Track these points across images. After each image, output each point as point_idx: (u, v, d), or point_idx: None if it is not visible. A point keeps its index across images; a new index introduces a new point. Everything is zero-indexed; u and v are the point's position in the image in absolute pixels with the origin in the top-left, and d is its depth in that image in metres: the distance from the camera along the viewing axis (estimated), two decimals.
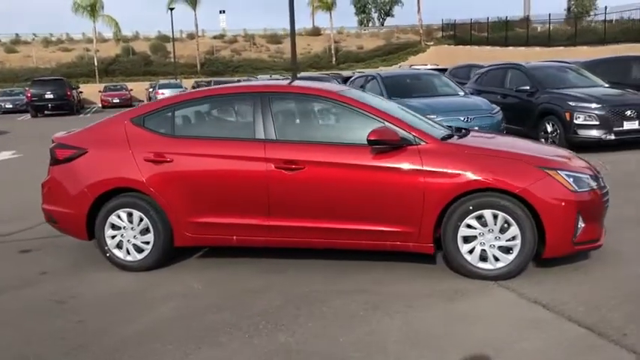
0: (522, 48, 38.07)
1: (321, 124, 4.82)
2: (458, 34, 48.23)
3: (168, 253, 4.89)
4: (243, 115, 4.82)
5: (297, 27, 59.63)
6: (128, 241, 4.84)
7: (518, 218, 4.17)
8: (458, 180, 4.22)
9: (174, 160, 4.66)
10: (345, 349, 3.33)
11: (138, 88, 40.82)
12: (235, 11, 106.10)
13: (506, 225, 4.22)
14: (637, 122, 10.11)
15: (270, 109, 4.63)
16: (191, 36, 52.13)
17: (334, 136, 4.67)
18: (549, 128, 10.55)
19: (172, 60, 44.78)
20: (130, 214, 4.80)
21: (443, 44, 47.14)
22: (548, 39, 38.57)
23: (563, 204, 4.15)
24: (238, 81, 34.81)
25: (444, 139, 4.57)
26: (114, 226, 4.85)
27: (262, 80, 15.25)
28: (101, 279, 4.73)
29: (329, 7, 49.90)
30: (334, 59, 47.71)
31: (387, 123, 4.44)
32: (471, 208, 4.24)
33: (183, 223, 4.71)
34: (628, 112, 10.07)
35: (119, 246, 4.87)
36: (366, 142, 4.41)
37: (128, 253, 4.86)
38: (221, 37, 54.35)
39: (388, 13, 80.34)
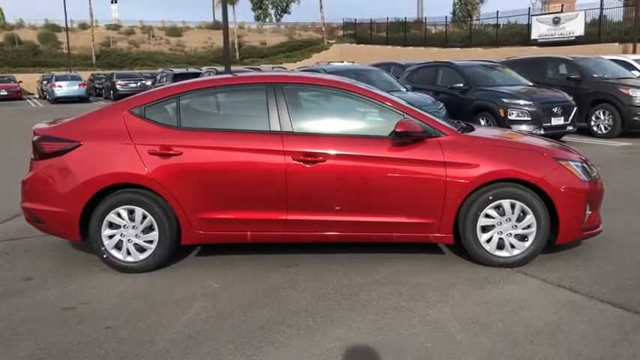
0: (421, 48, 39.73)
1: (338, 116, 4.75)
2: (358, 33, 49.42)
3: (172, 253, 4.61)
4: (256, 105, 4.63)
5: (197, 20, 58.07)
6: (129, 240, 4.51)
7: (535, 207, 4.36)
8: (479, 171, 4.33)
9: (183, 153, 4.40)
10: (412, 340, 3.32)
11: (28, 81, 38.01)
12: (128, 1, 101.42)
13: (522, 214, 4.40)
14: (562, 118, 10.92)
15: (285, 100, 4.49)
16: (83, 26, 49.36)
17: (352, 129, 4.62)
18: (483, 123, 11.10)
19: (65, 51, 42.05)
20: (131, 212, 4.47)
21: (345, 43, 48.05)
22: (445, 40, 40.51)
23: (575, 193, 4.40)
24: (140, 74, 33.57)
25: (461, 131, 4.68)
26: (112, 225, 4.49)
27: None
28: (105, 282, 4.37)
29: (232, 1, 49.12)
30: (238, 54, 47.08)
31: (406, 115, 4.47)
32: (490, 198, 4.37)
33: (193, 220, 4.46)
34: (555, 109, 10.85)
35: (118, 246, 4.52)
36: (385, 134, 4.44)
37: (129, 253, 4.53)
38: (116, 28, 51.80)
39: (285, 10, 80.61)
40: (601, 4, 31.93)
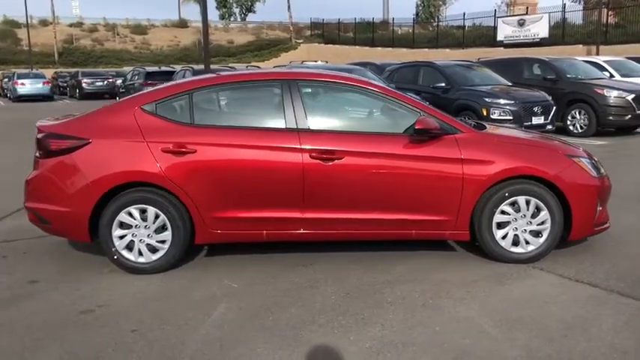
0: (389, 48, 40.09)
1: (354, 113, 4.72)
2: (326, 33, 49.53)
3: (184, 253, 4.51)
4: (270, 102, 4.56)
5: (161, 18, 57.21)
6: (141, 240, 4.38)
7: (549, 203, 4.42)
8: (495, 168, 4.36)
9: (197, 151, 4.30)
10: (448, 337, 3.31)
11: None
12: None
13: (536, 210, 4.46)
14: (542, 117, 11.15)
15: (300, 97, 4.44)
16: (44, 22, 48.08)
17: (368, 126, 4.60)
18: None
19: (25, 48, 40.84)
20: (143, 211, 4.35)
21: (313, 42, 48.10)
22: (412, 41, 40.94)
23: (587, 189, 4.48)
24: (107, 72, 32.85)
25: (476, 128, 4.71)
26: (123, 225, 4.36)
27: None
28: (117, 284, 4.24)
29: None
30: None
31: (422, 112, 4.47)
32: (506, 194, 4.41)
33: (207, 219, 4.36)
34: (535, 108, 11.07)
35: (129, 247, 4.39)
36: (402, 132, 4.43)
37: (140, 254, 4.40)
38: (79, 25, 50.59)
39: (250, 9, 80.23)
40: (563, 8, 32.81)
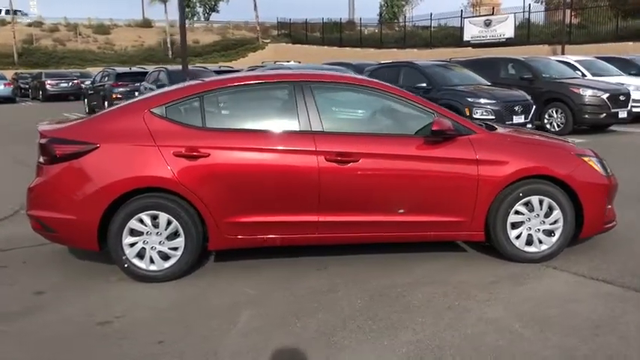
0: (358, 49, 40.21)
1: (367, 115, 4.68)
2: (293, 33, 49.43)
3: (196, 259, 4.40)
4: (283, 104, 4.48)
5: (125, 18, 56.01)
6: (152, 248, 4.25)
7: (561, 203, 4.47)
8: (510, 168, 4.38)
9: (211, 155, 4.19)
10: (482, 340, 3.30)
11: None
12: None
13: (549, 209, 4.50)
14: (523, 117, 11.32)
15: (313, 99, 4.38)
16: (2, 22, 46.59)
17: (382, 127, 4.57)
18: None
19: None
20: (154, 217, 4.22)
21: (280, 42, 47.92)
22: (380, 41, 41.21)
23: (598, 188, 4.55)
24: (72, 73, 31.98)
25: (489, 129, 4.72)
26: (133, 232, 4.23)
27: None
28: (129, 293, 4.10)
29: None
30: (170, 53, 45.89)
31: (436, 114, 4.46)
32: (520, 195, 4.43)
33: (221, 224, 4.26)
34: (516, 108, 11.23)
35: (140, 255, 4.25)
36: (415, 133, 4.43)
37: (152, 262, 4.27)
38: (39, 25, 49.20)
39: (213, 9, 79.54)
40: (529, 8, 33.52)
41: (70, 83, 28.60)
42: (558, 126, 12.63)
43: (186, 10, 75.49)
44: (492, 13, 34.64)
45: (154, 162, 4.16)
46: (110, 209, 4.16)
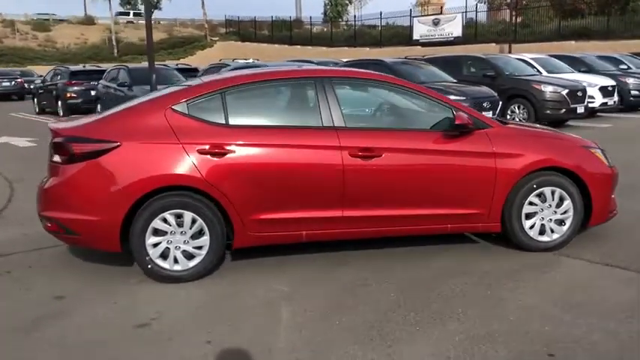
0: (309, 47, 40.33)
1: (388, 110, 4.71)
2: (241, 31, 49.06)
3: (220, 258, 4.34)
4: (305, 100, 4.47)
5: (65, 15, 54.16)
6: (176, 247, 4.16)
7: (572, 193, 4.65)
8: (525, 161, 4.52)
9: (236, 152, 4.14)
10: (529, 326, 3.39)
11: None
12: None
13: (560, 200, 4.67)
14: (491, 112, 11.65)
15: (335, 95, 4.39)
16: None
17: (401, 122, 4.63)
18: None
19: None
20: (178, 216, 4.13)
21: (229, 40, 47.46)
22: (330, 39, 41.47)
23: (604, 178, 4.75)
24: (14, 72, 30.56)
25: (502, 123, 4.85)
26: (157, 232, 4.12)
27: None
28: (157, 294, 4.01)
29: None
30: (116, 51, 44.67)
31: (454, 109, 4.55)
32: (534, 186, 4.59)
33: (246, 222, 4.21)
34: (485, 104, 11.55)
35: (163, 255, 4.15)
36: (434, 127, 4.51)
37: (176, 261, 4.18)
38: None
39: (155, 6, 77.93)
40: (476, 8, 34.48)
41: (13, 82, 27.39)
42: (521, 121, 13.05)
43: (127, 7, 74.00)
44: (440, 13, 35.42)
45: (179, 160, 4.07)
46: (132, 209, 4.05)
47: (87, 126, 4.23)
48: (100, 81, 16.54)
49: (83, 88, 17.93)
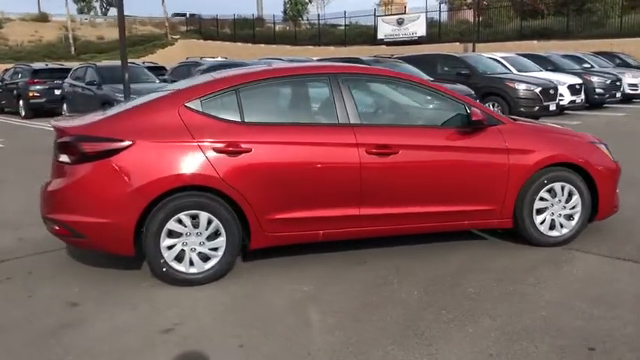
0: (273, 46, 40.06)
1: (402, 107, 4.67)
2: (203, 29, 48.43)
3: (236, 259, 4.22)
4: (319, 97, 4.39)
5: (18, 11, 52.13)
6: (192, 249, 4.03)
7: (580, 188, 4.71)
8: (536, 157, 4.56)
9: (253, 150, 4.03)
10: (561, 321, 3.40)
11: None
12: None
13: (569, 195, 4.73)
14: None
15: (350, 91, 4.33)
16: None
17: (416, 119, 4.60)
18: None
19: None
20: (194, 217, 4.00)
21: (191, 39, 46.76)
22: (294, 38, 41.34)
23: (610, 173, 4.84)
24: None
25: (512, 119, 4.88)
26: (172, 234, 3.98)
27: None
28: (173, 298, 3.87)
29: None
30: (73, 49, 43.43)
31: (466, 105, 4.55)
32: (545, 182, 4.63)
33: (263, 222, 4.11)
34: None
35: (178, 258, 4.02)
36: (447, 124, 4.51)
37: (191, 264, 4.05)
38: None
39: (111, 3, 76.22)
40: (439, 8, 34.91)
41: None
42: None
43: (82, 4, 72.07)
44: (404, 12, 35.74)
45: (195, 159, 3.94)
46: (145, 211, 3.90)
47: (97, 124, 4.06)
48: (66, 80, 16.02)
49: (46, 87, 17.34)
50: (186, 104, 4.06)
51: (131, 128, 3.96)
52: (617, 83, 17.40)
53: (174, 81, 15.84)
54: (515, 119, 5.02)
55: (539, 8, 34.41)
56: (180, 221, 3.97)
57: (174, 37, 47.67)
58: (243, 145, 4.02)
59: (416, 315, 3.53)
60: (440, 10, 35.07)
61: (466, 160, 4.43)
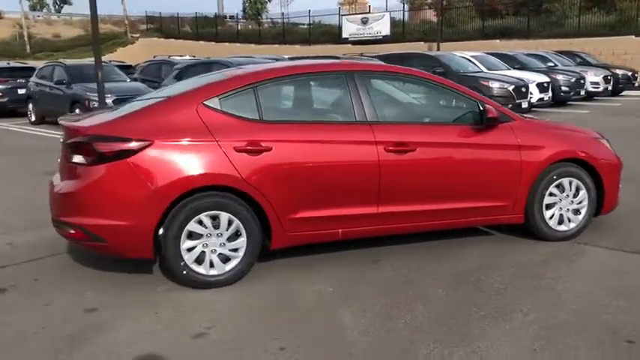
0: (237, 44, 39.72)
1: (417, 104, 4.66)
2: (163, 27, 47.63)
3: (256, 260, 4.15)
4: (336, 94, 4.35)
5: None
6: (212, 251, 3.93)
7: (587, 183, 4.80)
8: (546, 152, 4.63)
9: (273, 149, 3.96)
10: (591, 314, 3.45)
11: None
12: None
13: (576, 190, 4.81)
14: None
15: (366, 89, 4.30)
16: None
17: (431, 116, 4.60)
18: None
19: None
20: (214, 218, 3.90)
21: (152, 37, 45.93)
22: (258, 36, 41.06)
23: (614, 168, 4.95)
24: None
25: (522, 116, 4.93)
26: (192, 236, 3.88)
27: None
28: (196, 301, 3.77)
29: None
30: (28, 47, 42.09)
31: (479, 102, 4.58)
32: (554, 177, 4.70)
33: (284, 221, 4.05)
34: None
35: (198, 260, 3.91)
36: (459, 121, 4.54)
37: (211, 265, 3.95)
38: None
39: (65, 1, 74.34)
40: (403, 8, 35.23)
41: None
42: None
43: (34, 1, 69.92)
44: (369, 12, 35.94)
45: (216, 158, 3.85)
46: (166, 212, 3.79)
47: (113, 123, 3.91)
48: (31, 79, 15.49)
49: (9, 86, 16.72)
50: (204, 102, 3.96)
51: (151, 127, 3.83)
52: (582, 81, 17.93)
53: (146, 80, 15.64)
54: (523, 116, 5.08)
55: (498, 8, 35.13)
56: (200, 222, 3.87)
57: (134, 35, 46.74)
58: (263, 144, 3.94)
59: (447, 313, 3.53)
60: (404, 10, 35.39)
61: (481, 156, 4.46)
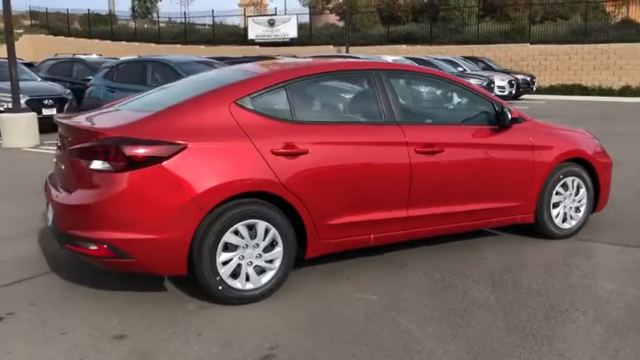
0: (136, 43, 38.00)
1: (439, 105, 4.56)
2: (50, 24, 44.56)
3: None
4: (364, 94, 4.14)
5: None
6: (248, 263, 3.61)
7: (586, 182, 4.98)
8: (555, 152, 4.73)
9: (310, 151, 3.71)
10: (635, 311, 3.55)
11: None
12: None
13: (577, 189, 4.97)
14: None
15: (393, 89, 4.16)
16: None
17: (455, 117, 4.55)
18: None
19: None
20: (250, 227, 3.58)
21: (38, 34, 42.75)
22: (158, 36, 39.56)
23: (607, 167, 5.17)
24: None
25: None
26: (228, 247, 3.54)
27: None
28: (238, 320, 3.43)
29: None
30: None
31: (495, 103, 4.58)
32: (560, 177, 4.82)
33: (320, 228, 3.81)
34: None
35: (234, 274, 3.58)
36: (477, 121, 4.53)
37: (247, 279, 3.62)
38: None
39: None
40: (310, 11, 35.41)
41: None
42: None
43: None
44: (275, 13, 35.77)
45: (253, 163, 3.53)
46: (202, 222, 3.42)
47: (142, 124, 3.45)
48: None
49: None
50: (237, 102, 3.62)
51: (184, 128, 3.44)
52: (492, 85, 18.95)
53: (56, 79, 14.42)
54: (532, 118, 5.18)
55: (397, 15, 36.34)
56: (236, 232, 3.53)
57: (17, 31, 43.16)
58: (300, 146, 3.68)
59: (508, 316, 3.46)
60: (310, 13, 35.60)
61: (501, 157, 4.48)
